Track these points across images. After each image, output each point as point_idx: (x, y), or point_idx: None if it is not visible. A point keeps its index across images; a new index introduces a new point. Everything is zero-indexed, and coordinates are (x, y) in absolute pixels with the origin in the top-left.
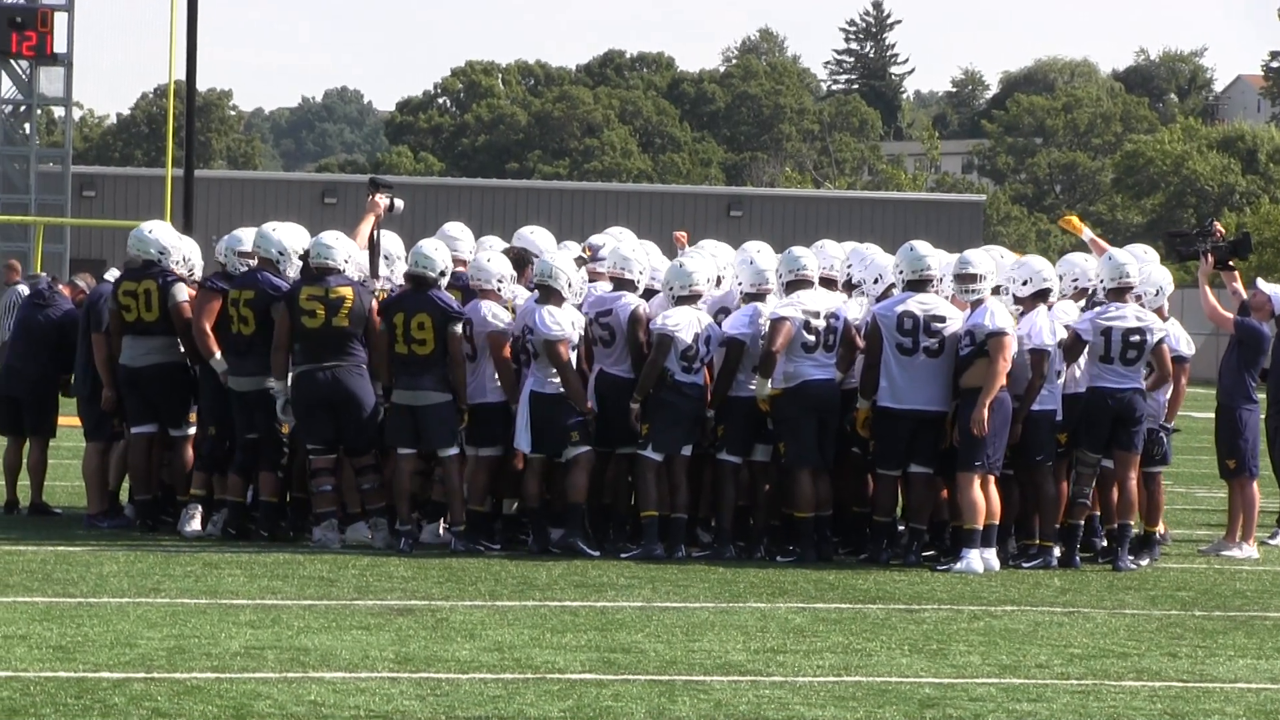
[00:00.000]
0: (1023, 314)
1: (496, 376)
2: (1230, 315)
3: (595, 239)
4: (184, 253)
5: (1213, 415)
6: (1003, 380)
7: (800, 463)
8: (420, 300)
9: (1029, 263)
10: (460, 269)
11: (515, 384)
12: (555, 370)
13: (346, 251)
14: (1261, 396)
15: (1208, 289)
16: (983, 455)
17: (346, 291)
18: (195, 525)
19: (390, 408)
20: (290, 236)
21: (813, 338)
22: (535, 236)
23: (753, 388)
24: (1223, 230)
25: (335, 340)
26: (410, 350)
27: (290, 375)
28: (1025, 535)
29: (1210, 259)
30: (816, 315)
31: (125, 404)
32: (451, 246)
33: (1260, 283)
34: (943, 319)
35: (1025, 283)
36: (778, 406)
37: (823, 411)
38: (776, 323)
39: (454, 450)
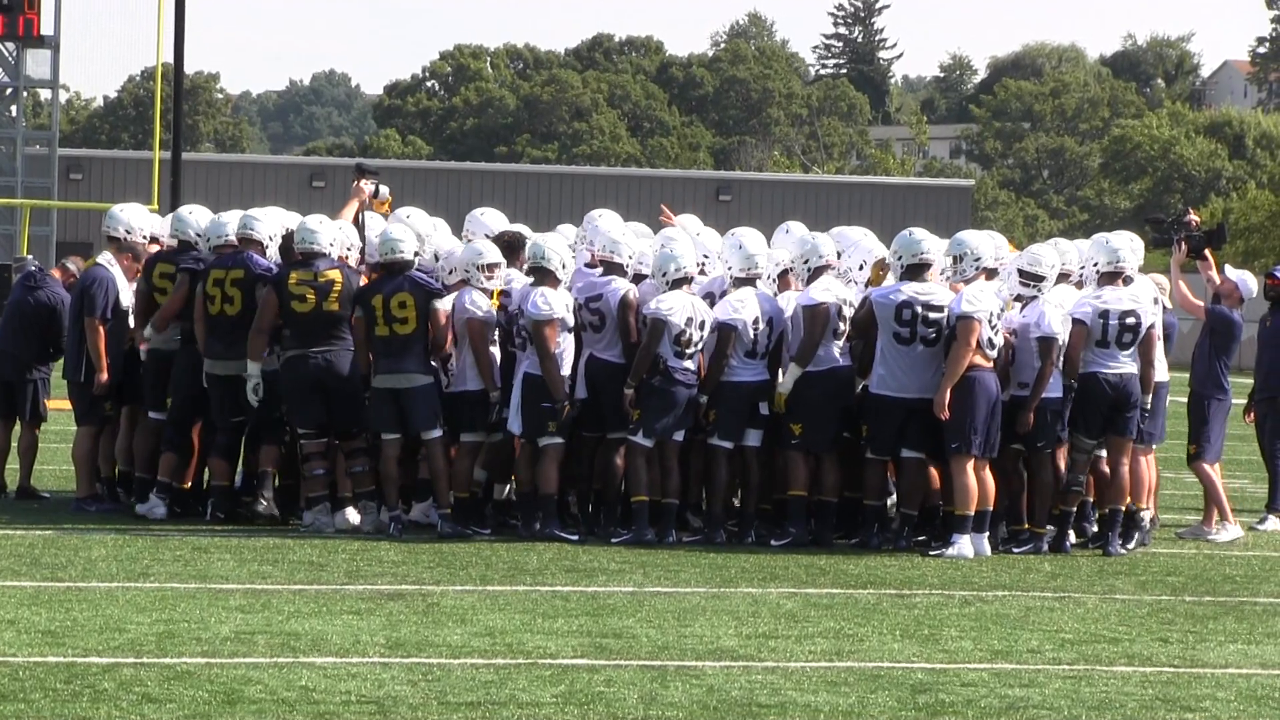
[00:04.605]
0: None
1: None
2: (1201, 303)
3: (565, 228)
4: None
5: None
6: (965, 363)
7: (816, 447)
8: (400, 281)
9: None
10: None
11: (492, 371)
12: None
13: (331, 235)
14: (1245, 381)
15: (1179, 277)
16: (961, 437)
17: (335, 275)
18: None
19: (373, 393)
20: (274, 221)
21: (843, 325)
22: (486, 218)
23: (784, 378)
24: (1198, 220)
25: (326, 324)
26: (392, 330)
27: (280, 360)
28: (1015, 520)
29: (1184, 247)
30: (847, 302)
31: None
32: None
33: (1228, 269)
34: (940, 308)
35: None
36: (802, 389)
37: (845, 400)
38: (815, 309)
39: (437, 432)
